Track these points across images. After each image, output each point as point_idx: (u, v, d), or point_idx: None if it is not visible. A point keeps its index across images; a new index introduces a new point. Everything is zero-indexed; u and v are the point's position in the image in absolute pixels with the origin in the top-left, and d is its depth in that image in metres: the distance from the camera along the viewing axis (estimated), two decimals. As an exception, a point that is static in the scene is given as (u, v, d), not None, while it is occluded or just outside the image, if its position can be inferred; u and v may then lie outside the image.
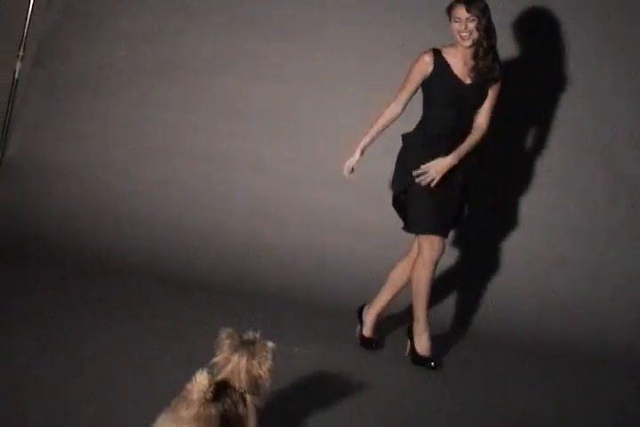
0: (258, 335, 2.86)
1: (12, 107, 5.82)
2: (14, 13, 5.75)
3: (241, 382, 2.80)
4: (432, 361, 4.30)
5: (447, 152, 4.21)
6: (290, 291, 5.10)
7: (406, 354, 4.38)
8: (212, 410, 2.67)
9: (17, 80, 5.80)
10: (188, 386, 2.65)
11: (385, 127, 4.20)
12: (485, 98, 4.24)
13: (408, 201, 4.28)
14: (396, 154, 4.31)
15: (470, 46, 4.13)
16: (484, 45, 4.13)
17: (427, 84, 4.19)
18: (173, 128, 5.59)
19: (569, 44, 5.35)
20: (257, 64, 5.54)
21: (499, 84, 4.23)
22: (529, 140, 5.37)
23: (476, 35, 4.10)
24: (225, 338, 2.83)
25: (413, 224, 4.28)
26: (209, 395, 2.65)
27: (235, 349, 2.82)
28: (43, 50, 5.73)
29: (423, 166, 4.17)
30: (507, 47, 5.00)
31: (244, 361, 2.80)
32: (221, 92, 5.56)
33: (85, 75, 5.68)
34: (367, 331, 4.44)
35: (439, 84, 4.16)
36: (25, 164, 5.67)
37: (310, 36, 5.49)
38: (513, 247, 5.34)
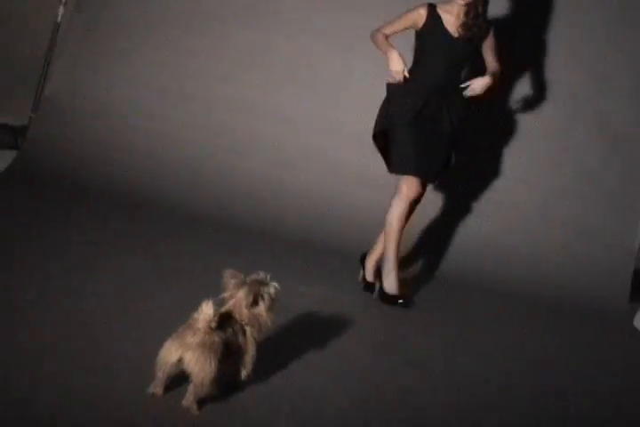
0: (268, 276, 3.02)
1: (53, 48, 5.94)
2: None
3: (242, 315, 2.97)
4: (400, 299, 4.40)
5: (433, 102, 4.34)
6: (302, 233, 5.28)
7: (374, 296, 4.48)
8: (216, 338, 2.83)
9: (59, 24, 5.93)
10: (195, 315, 2.81)
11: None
12: (473, 53, 4.41)
13: (391, 143, 4.40)
14: None
15: (465, 4, 4.31)
16: (478, 6, 4.31)
17: (419, 36, 4.38)
18: (200, 75, 5.68)
19: (569, 11, 5.42)
20: (284, 19, 5.63)
21: (491, 39, 4.40)
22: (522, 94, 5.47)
23: None
24: (229, 277, 3.00)
25: (395, 165, 4.41)
26: (213, 324, 2.81)
27: (239, 286, 2.98)
28: (84, -3, 5.79)
29: (467, 82, 4.35)
30: (502, 8, 5.16)
31: (245, 298, 2.96)
32: (248, 44, 5.64)
33: (121, 22, 5.78)
34: (369, 276, 4.60)
35: (430, 35, 4.36)
36: (61, 100, 5.77)
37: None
38: (493, 196, 5.46)
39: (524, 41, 5.39)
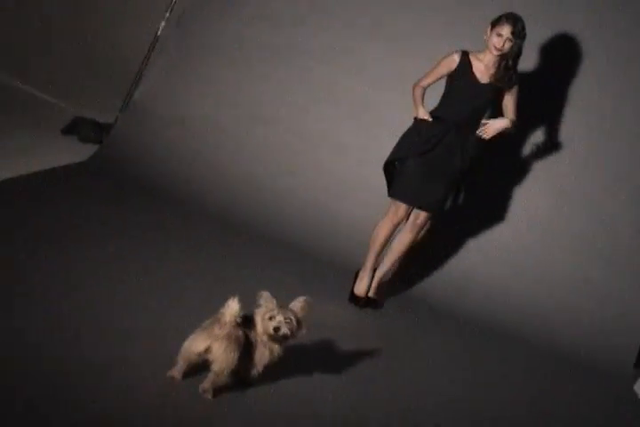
0: (307, 301, 3.21)
1: (149, 57, 6.31)
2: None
3: (260, 331, 3.18)
4: (362, 300, 4.72)
5: (449, 139, 4.57)
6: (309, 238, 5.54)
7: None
8: (240, 332, 3.06)
9: (158, 36, 6.32)
10: (222, 310, 3.02)
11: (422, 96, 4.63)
12: (496, 99, 4.65)
13: (397, 170, 4.68)
14: None
15: (498, 55, 4.57)
16: (510, 60, 4.57)
17: (450, 78, 4.66)
18: (273, 100, 5.95)
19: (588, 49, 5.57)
20: (355, 60, 5.85)
21: (515, 89, 4.65)
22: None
23: (507, 50, 4.54)
24: (265, 300, 3.18)
25: (390, 188, 4.71)
26: (239, 319, 3.03)
27: (270, 310, 3.17)
28: (186, 15, 6.11)
29: (485, 121, 4.61)
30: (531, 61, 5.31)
31: (269, 325, 3.15)
32: (321, 79, 5.88)
33: (214, 43, 6.04)
34: (371, 292, 4.83)
35: (459, 80, 4.62)
36: (147, 105, 6.05)
37: (409, 40, 5.72)
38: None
39: (544, 94, 5.57)
